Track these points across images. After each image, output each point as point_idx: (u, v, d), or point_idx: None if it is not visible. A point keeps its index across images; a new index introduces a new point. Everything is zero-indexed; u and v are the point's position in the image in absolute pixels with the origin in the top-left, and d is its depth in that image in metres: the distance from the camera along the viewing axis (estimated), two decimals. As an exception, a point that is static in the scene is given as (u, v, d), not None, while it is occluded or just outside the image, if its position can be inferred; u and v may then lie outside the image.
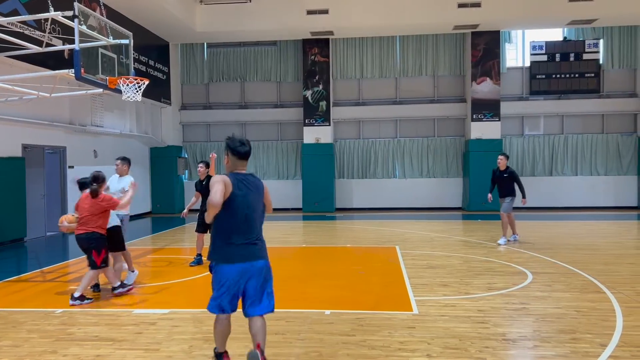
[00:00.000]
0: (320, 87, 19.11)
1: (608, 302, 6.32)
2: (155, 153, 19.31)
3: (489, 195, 11.41)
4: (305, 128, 19.20)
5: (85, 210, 6.79)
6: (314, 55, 19.12)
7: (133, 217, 16.63)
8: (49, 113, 13.32)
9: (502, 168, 11.10)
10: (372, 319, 5.73)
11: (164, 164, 19.31)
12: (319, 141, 19.09)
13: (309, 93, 19.17)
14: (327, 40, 19.05)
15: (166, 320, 5.88)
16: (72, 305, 6.53)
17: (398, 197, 19.47)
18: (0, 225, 11.64)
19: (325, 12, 17.21)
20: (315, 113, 19.14)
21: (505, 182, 11.02)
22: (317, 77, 19.16)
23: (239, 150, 4.08)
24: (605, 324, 5.46)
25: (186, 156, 20.45)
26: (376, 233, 13.18)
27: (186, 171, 20.42)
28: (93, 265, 6.75)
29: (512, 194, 11.03)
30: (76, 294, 6.61)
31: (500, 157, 11.20)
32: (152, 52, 17.57)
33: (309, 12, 17.23)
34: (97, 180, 6.87)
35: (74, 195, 14.29)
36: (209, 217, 4.02)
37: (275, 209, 20.52)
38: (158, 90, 18.04)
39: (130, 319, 5.94)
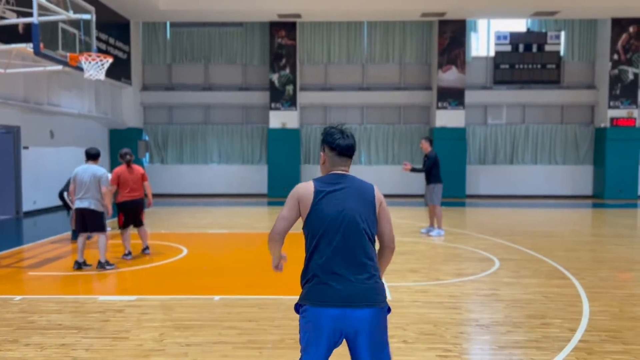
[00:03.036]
0: (287, 71, 18.86)
1: (573, 287, 6.49)
2: (115, 135, 18.68)
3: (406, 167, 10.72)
4: (271, 112, 18.94)
5: (132, 180, 8.01)
6: (281, 38, 18.82)
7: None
8: (1, 90, 12.63)
9: (426, 152, 10.77)
10: (345, 305, 5.69)
11: (124, 147, 18.62)
12: (285, 126, 18.88)
13: (275, 77, 18.89)
14: (294, 23, 18.77)
15: (134, 307, 5.68)
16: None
17: (363, 184, 19.47)
18: (-51, 208, 11.03)
19: (293, -6, 16.92)
20: (282, 97, 18.90)
21: (427, 168, 10.61)
22: (283, 61, 18.89)
23: (339, 143, 2.94)
24: (572, 309, 5.60)
25: (147, 139, 19.88)
26: (343, 219, 13.15)
27: (147, 154, 19.86)
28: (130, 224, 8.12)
29: (434, 180, 10.53)
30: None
31: (421, 140, 10.99)
32: (112, 29, 16.89)
33: (277, -6, 16.90)
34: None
35: (28, 176, 13.73)
36: (271, 253, 3.06)
37: (239, 195, 20.42)
38: (118, 70, 17.37)
39: (95, 306, 5.71)
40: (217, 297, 5.98)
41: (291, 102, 18.92)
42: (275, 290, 6.36)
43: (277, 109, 18.90)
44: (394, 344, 4.54)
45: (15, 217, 13.44)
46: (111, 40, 16.75)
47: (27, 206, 13.82)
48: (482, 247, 9.14)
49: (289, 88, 18.90)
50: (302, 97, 19.46)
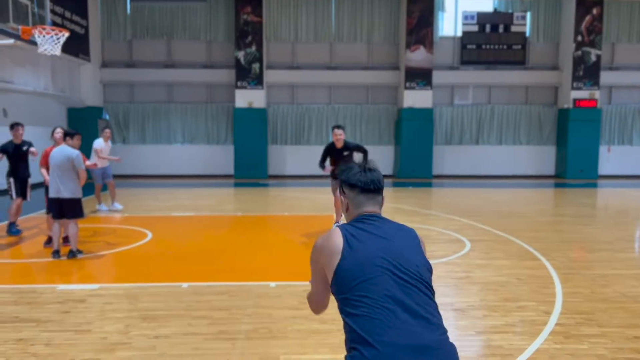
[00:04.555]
0: (253, 48, 18.38)
1: (544, 269, 6.52)
2: (73, 114, 17.89)
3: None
4: (237, 91, 18.48)
5: None
6: (247, 14, 18.28)
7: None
8: (-52, 65, 11.83)
9: (340, 145, 8.61)
10: (319, 291, 5.54)
11: (83, 126, 17.74)
12: (251, 105, 18.47)
13: (241, 54, 18.40)
14: (261, -1, 18.26)
15: (96, 297, 5.39)
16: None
17: (331, 164, 19.34)
18: None
19: (260, -31, 16.39)
20: (248, 76, 18.44)
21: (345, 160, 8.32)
22: (249, 38, 18.39)
23: (360, 178, 2.32)
24: (546, 291, 5.61)
25: (107, 118, 19.13)
26: (311, 201, 13.01)
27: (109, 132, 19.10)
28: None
29: None
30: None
31: (337, 130, 8.61)
32: (68, 2, 16.00)
33: (242, -32, 16.34)
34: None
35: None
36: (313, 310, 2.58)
37: (204, 176, 19.97)
38: (76, 46, 16.55)
39: (54, 297, 5.39)
40: (185, 285, 5.74)
41: (257, 81, 18.49)
42: (245, 276, 6.17)
43: (243, 87, 18.45)
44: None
45: (-34, 201, 12.72)
46: (67, 14, 15.90)
47: (-22, 189, 13.11)
48: (452, 228, 9.14)
49: (255, 66, 18.46)
50: (269, 76, 19.04)
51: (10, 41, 8.53)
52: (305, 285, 5.72)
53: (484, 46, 19.01)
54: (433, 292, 2.13)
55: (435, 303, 2.11)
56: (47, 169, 7.36)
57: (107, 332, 4.46)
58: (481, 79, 19.44)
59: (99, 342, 4.26)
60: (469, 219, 10.14)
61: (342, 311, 2.10)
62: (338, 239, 2.16)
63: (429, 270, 2.20)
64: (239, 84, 18.46)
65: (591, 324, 4.64)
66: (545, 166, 19.63)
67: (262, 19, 18.39)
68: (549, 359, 3.99)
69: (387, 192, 15.27)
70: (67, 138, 6.97)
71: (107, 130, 11.24)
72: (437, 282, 5.84)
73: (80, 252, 7.07)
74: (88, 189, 10.01)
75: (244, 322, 4.72)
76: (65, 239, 7.45)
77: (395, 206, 12.06)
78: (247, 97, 18.46)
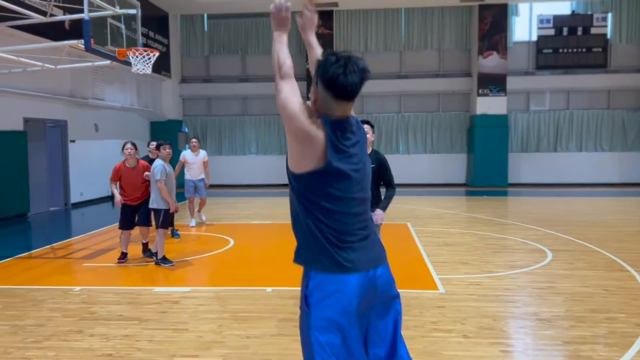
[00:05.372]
0: (324, 60, 18.74)
1: (634, 280, 6.26)
2: (155, 127, 19.00)
3: None
4: (308, 103, 18.87)
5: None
6: (318, 27, 18.63)
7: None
8: (50, 86, 12.98)
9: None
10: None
11: (164, 139, 18.68)
12: (322, 116, 18.81)
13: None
14: (331, 12, 18.65)
15: (189, 298, 5.77)
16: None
17: (402, 173, 19.21)
18: (4, 201, 11.43)
19: (331, -18, 16.78)
20: (319, 87, 18.81)
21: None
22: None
23: (342, 82, 2.14)
24: (636, 303, 5.40)
25: (186, 130, 20.14)
26: (384, 209, 13.05)
27: (187, 145, 20.09)
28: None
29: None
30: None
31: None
32: (151, 23, 17.11)
33: (314, -17, 16.75)
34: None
35: (75, 168, 14.10)
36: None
37: (277, 185, 20.43)
38: (158, 63, 17.52)
39: (152, 297, 5.82)
40: (269, 289, 6.01)
41: (328, 92, 18.79)
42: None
43: (314, 99, 18.82)
44: (453, 339, 4.48)
45: (64, 209, 13.84)
46: (151, 34, 16.99)
47: (74, 198, 14.23)
48: (532, 238, 8.93)
49: (326, 77, 18.78)
50: (340, 87, 19.30)
51: (107, 62, 9.27)
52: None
53: (561, 50, 18.37)
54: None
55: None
56: (118, 185, 7.47)
57: (202, 332, 4.77)
58: (559, 83, 18.77)
59: (195, 340, 4.57)
60: (550, 228, 9.85)
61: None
62: (319, 138, 2.20)
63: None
64: (309, 95, 18.82)
65: (689, 338, 4.44)
66: (631, 173, 18.60)
67: (333, 32, 18.75)
68: (644, 372, 3.88)
69: (461, 200, 15.10)
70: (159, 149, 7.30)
71: (194, 140, 10.56)
72: (519, 292, 5.82)
73: (166, 261, 7.23)
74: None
75: (328, 325, 4.89)
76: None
77: (471, 215, 11.90)
78: (319, 108, 18.80)
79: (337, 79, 2.14)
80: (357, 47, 19.39)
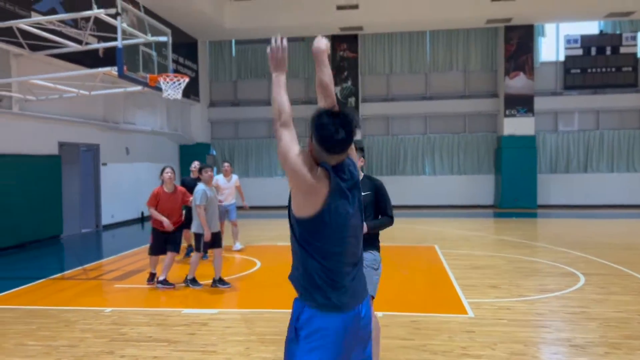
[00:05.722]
0: (349, 83, 18.94)
1: (671, 306, 6.07)
2: (184, 150, 19.35)
3: None
4: (305, 150, 19.00)
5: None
6: (343, 51, 18.95)
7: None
8: (84, 111, 13.40)
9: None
10: (427, 322, 5.58)
11: (192, 161, 19.30)
12: (348, 138, 18.90)
13: (337, 89, 18.99)
14: (356, 36, 18.86)
15: (217, 320, 5.81)
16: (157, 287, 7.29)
17: (428, 195, 19.22)
18: (38, 223, 11.75)
19: (356, 7, 17.00)
20: (344, 109, 18.95)
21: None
22: (345, 73, 19.00)
23: (335, 138, 2.30)
24: (675, 329, 5.23)
25: (214, 153, 20.46)
26: (410, 231, 12.99)
27: (215, 168, 20.40)
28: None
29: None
30: (161, 277, 7.31)
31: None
32: (181, 49, 17.58)
33: (339, 8, 17.04)
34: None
35: (107, 191, 14.43)
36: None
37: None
38: (187, 88, 17.89)
39: (180, 319, 5.88)
40: (296, 312, 6.01)
41: (354, 114, 18.91)
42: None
43: (340, 121, 18.95)
44: (484, 364, 4.41)
45: (96, 230, 14.14)
46: (181, 60, 17.44)
47: (105, 219, 14.53)
48: (563, 261, 8.74)
49: (351, 100, 18.96)
50: (365, 109, 19.46)
51: (138, 88, 9.55)
52: (412, 316, 5.79)
53: (589, 70, 18.16)
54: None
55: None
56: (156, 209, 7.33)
57: (230, 354, 4.80)
58: (588, 103, 18.51)
59: (224, 363, 4.60)
60: (581, 251, 9.63)
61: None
62: (323, 184, 2.34)
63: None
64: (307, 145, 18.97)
65: None
66: (665, 194, 18.10)
67: (358, 55, 18.95)
68: (684, 401, 3.74)
69: (489, 222, 14.90)
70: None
71: (226, 164, 10.16)
72: (551, 317, 5.69)
73: (195, 283, 7.30)
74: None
75: (356, 349, 4.86)
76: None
77: (499, 238, 11.73)
78: (344, 130, 18.91)
79: (329, 139, 2.31)
80: (382, 69, 19.52)
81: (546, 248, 10.18)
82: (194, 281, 7.36)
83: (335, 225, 2.36)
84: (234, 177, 10.31)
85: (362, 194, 2.77)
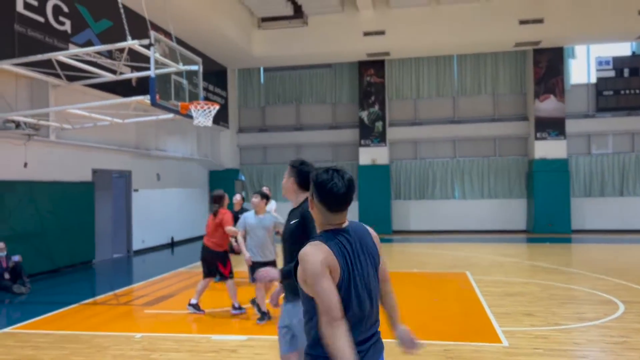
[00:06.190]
0: (376, 107, 18.99)
1: None
2: (214, 176, 19.59)
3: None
4: (361, 149, 19.07)
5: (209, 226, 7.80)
6: (370, 76, 19.05)
7: (195, 239, 16.87)
8: (117, 138, 13.74)
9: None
10: (460, 351, 5.44)
11: (222, 187, 19.46)
12: (375, 162, 18.89)
13: (364, 114, 19.07)
14: (383, 61, 18.98)
15: (246, 347, 5.78)
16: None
17: (458, 219, 18.95)
18: (71, 248, 11.98)
19: (382, 33, 17.14)
20: (371, 134, 19.00)
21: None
22: (372, 98, 19.07)
23: (335, 193, 2.35)
24: None
25: (243, 179, 20.66)
26: (440, 257, 12.78)
27: (244, 193, 20.59)
28: (222, 276, 7.50)
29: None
30: (193, 301, 7.41)
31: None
32: (211, 77, 17.97)
33: (366, 34, 17.21)
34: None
35: (138, 217, 14.67)
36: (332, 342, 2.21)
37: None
38: (217, 114, 18.22)
39: (209, 346, 5.87)
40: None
41: (380, 139, 18.95)
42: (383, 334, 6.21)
43: (366, 145, 19.00)
44: (521, 396, 4.24)
45: (127, 256, 14.34)
46: (211, 87, 17.80)
47: (136, 245, 14.73)
48: (601, 289, 8.44)
49: (378, 124, 18.98)
50: (392, 133, 19.44)
51: (170, 116, 9.76)
52: (444, 344, 5.65)
53: (622, 91, 17.81)
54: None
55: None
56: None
57: (259, 382, 4.75)
58: (622, 125, 18.10)
59: (253, 391, 4.55)
60: (619, 278, 9.30)
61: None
62: (334, 262, 2.30)
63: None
64: (362, 142, 19.05)
65: None
66: None
67: (385, 80, 19.03)
68: None
69: (522, 248, 14.57)
70: None
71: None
72: (590, 346, 5.48)
73: (239, 309, 7.34)
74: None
75: (387, 379, 4.76)
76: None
77: (533, 263, 11.43)
78: (371, 155, 18.93)
79: (329, 197, 2.35)
80: (409, 93, 19.54)
81: (582, 274, 9.86)
82: (238, 308, 7.45)
83: (346, 298, 2.34)
84: (272, 202, 10.44)
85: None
